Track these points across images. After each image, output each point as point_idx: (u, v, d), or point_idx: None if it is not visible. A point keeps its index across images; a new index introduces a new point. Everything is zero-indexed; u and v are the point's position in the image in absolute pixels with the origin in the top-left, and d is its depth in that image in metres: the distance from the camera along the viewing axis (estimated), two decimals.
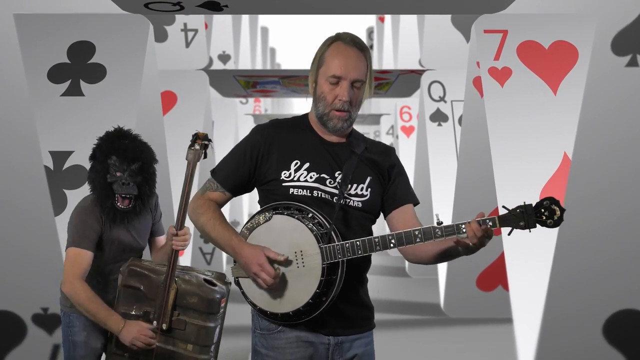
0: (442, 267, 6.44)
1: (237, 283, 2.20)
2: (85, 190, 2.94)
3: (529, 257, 4.04)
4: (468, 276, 5.83)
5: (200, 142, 2.63)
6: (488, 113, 4.36)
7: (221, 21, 8.84)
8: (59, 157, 4.18)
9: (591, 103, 3.69)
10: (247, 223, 2.17)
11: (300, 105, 20.25)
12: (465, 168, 5.27)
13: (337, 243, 2.05)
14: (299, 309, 2.07)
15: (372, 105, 13.82)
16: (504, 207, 1.99)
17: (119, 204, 2.80)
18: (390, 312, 6.77)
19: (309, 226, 2.06)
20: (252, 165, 2.19)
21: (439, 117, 6.96)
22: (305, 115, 2.28)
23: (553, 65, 4.51)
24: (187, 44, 6.97)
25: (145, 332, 2.69)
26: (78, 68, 4.38)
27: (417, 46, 8.63)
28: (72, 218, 2.85)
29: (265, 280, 2.05)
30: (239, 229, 2.19)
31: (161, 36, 6.91)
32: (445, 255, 2.14)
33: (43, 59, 4.35)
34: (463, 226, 1.97)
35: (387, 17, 11.67)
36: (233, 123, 9.40)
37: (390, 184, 2.25)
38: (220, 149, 7.06)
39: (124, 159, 2.79)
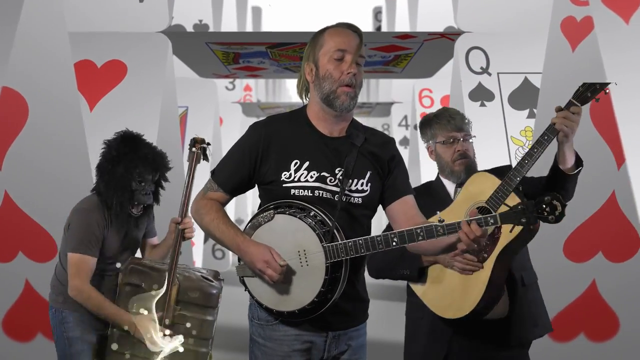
0: None
1: (243, 282, 2.26)
2: None
3: None
4: None
5: (199, 145, 2.87)
6: (607, 65, 2.60)
7: None
8: None
9: None
10: (249, 222, 2.23)
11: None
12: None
13: (340, 242, 2.12)
14: (305, 307, 2.15)
15: (380, 91, 11.98)
16: (504, 204, 2.16)
17: (133, 210, 2.98)
18: None
19: (311, 225, 2.12)
20: (251, 167, 2.26)
21: (481, 94, 5.21)
22: (303, 109, 2.32)
23: None
24: None
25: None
26: None
27: (440, 19, 6.90)
28: (72, 220, 2.94)
29: (272, 276, 2.14)
30: (242, 227, 2.24)
31: None
32: (447, 250, 2.19)
33: None
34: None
35: None
36: (212, 110, 7.66)
37: (390, 175, 2.30)
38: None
39: (148, 170, 2.95)
